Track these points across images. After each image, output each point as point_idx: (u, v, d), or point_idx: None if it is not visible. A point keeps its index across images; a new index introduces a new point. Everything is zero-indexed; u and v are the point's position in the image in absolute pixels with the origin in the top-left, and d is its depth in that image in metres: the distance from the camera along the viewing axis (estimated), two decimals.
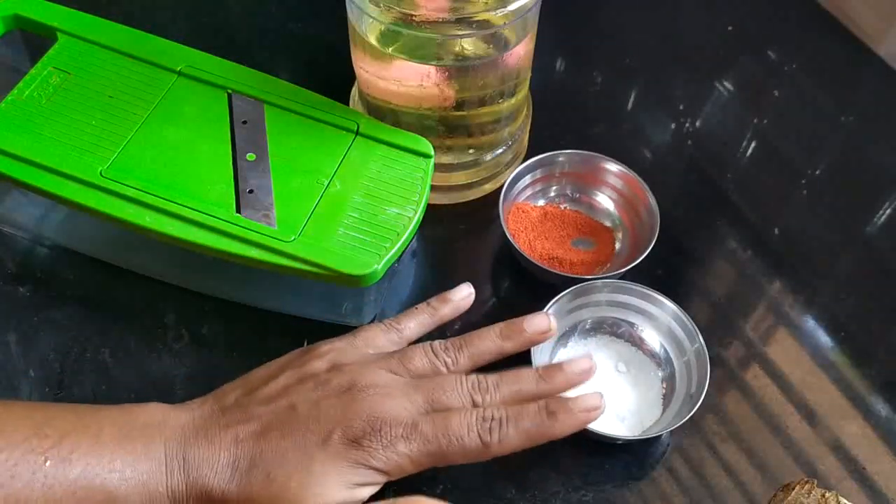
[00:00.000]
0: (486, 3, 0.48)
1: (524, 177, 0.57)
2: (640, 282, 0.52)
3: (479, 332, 0.46)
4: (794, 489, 0.42)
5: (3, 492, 0.35)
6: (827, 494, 0.40)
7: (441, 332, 0.53)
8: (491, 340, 0.46)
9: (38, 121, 0.49)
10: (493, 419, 0.41)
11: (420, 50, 0.50)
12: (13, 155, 0.47)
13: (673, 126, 0.66)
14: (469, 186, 0.58)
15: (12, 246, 0.56)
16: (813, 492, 0.40)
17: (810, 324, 0.56)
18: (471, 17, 0.48)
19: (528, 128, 0.60)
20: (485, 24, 0.49)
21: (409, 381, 0.43)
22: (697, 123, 0.66)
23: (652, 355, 0.52)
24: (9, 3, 0.54)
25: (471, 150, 0.56)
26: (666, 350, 0.51)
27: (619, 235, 0.58)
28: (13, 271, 0.54)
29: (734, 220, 0.61)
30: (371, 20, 0.50)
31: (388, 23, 0.49)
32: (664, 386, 0.51)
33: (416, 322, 0.48)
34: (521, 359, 0.49)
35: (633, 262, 0.53)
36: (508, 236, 0.54)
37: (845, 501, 0.40)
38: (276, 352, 0.51)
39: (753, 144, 0.65)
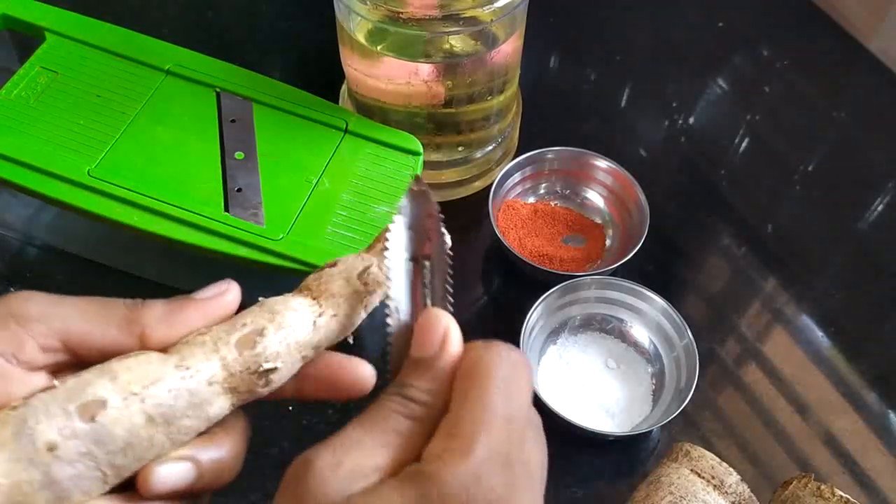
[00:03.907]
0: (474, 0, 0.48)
1: (514, 174, 0.57)
2: (631, 278, 0.52)
3: None
4: (791, 483, 0.42)
5: None
6: (822, 487, 0.40)
7: None
8: None
9: (26, 120, 0.49)
10: None
11: (408, 47, 0.50)
12: (1, 155, 0.47)
13: (664, 123, 0.66)
14: (459, 184, 0.58)
15: (2, 246, 0.56)
16: (809, 485, 0.41)
17: (802, 319, 0.56)
18: (458, 14, 0.48)
19: (518, 125, 0.60)
20: (472, 20, 0.49)
21: None
22: (689, 120, 0.66)
23: (641, 351, 0.52)
24: None
25: (460, 148, 0.56)
26: (655, 346, 0.51)
27: (610, 232, 0.58)
28: (3, 272, 0.54)
29: (726, 216, 0.61)
30: (359, 18, 0.50)
31: (376, 21, 0.49)
32: (653, 382, 0.51)
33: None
34: None
35: (624, 258, 0.53)
36: (499, 234, 0.54)
37: (840, 493, 0.40)
38: None
39: (745, 141, 0.65)
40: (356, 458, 0.26)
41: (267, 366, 0.28)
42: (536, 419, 0.28)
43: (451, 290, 0.30)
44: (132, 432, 0.26)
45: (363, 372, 0.30)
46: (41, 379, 0.27)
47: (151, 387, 0.26)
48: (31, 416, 0.25)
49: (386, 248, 0.29)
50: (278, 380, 0.29)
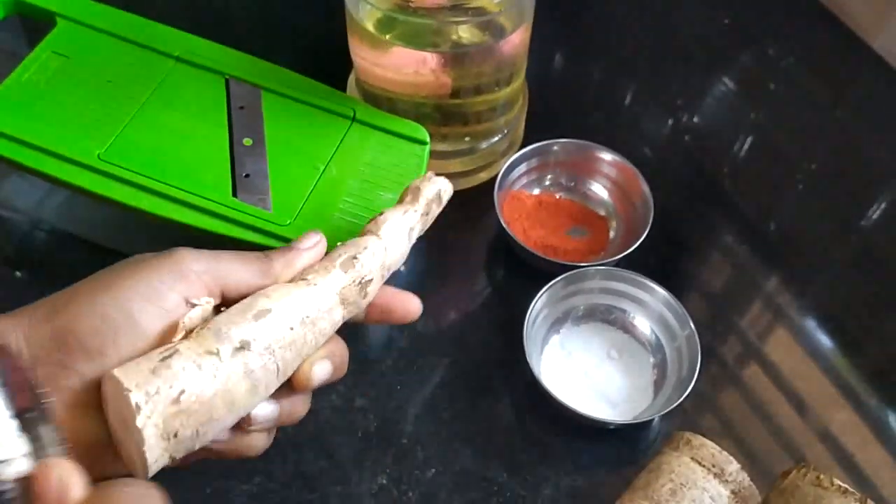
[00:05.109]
0: None
1: (519, 165, 0.58)
2: (634, 271, 0.52)
3: None
4: (791, 473, 0.42)
5: None
6: (821, 476, 0.40)
7: (436, 320, 0.54)
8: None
9: (37, 104, 0.49)
10: None
11: (416, 37, 0.50)
12: (11, 137, 0.47)
13: (669, 118, 0.66)
14: (465, 174, 0.58)
15: (10, 229, 0.56)
16: (808, 475, 0.41)
17: (803, 315, 0.56)
18: (466, 4, 0.48)
19: (524, 117, 0.61)
20: (480, 10, 0.49)
21: None
22: (693, 116, 0.67)
23: (643, 342, 0.52)
24: None
25: (466, 139, 0.57)
26: (657, 336, 0.52)
27: (613, 224, 0.58)
28: (11, 255, 0.55)
29: (729, 211, 0.61)
30: (368, 7, 0.50)
31: (385, 10, 0.49)
32: (655, 372, 0.51)
33: None
34: (515, 349, 0.50)
35: (627, 250, 0.53)
36: (503, 224, 0.54)
37: (838, 482, 0.40)
38: None
39: (749, 137, 0.65)
40: None
41: (367, 277, 0.37)
42: None
43: (63, 438, 0.30)
44: (294, 330, 0.34)
45: (413, 302, 0.40)
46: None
47: (296, 297, 0.34)
48: (223, 325, 0.32)
49: None
50: (371, 292, 0.38)
